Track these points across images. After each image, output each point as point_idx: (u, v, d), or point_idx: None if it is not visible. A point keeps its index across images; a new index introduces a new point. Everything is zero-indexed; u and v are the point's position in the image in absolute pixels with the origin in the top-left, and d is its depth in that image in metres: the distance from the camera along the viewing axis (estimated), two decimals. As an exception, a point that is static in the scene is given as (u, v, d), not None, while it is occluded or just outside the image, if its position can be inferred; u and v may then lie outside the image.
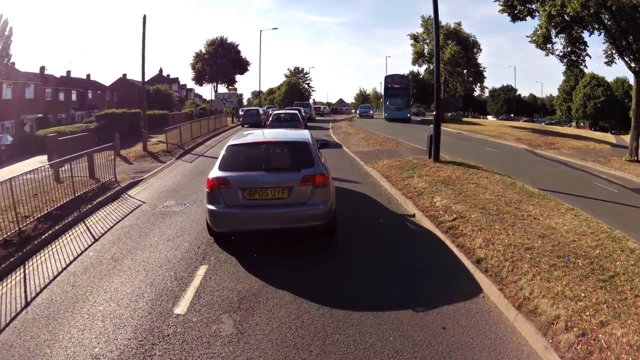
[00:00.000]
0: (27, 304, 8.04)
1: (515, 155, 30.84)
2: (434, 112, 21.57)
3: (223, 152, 10.68)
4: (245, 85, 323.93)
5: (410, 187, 15.45)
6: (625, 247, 9.50)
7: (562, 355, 6.03)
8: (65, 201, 14.15)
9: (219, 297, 7.96)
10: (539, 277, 7.98)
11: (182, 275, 8.92)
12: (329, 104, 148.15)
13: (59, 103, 74.48)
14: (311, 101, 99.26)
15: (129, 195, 16.41)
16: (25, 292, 8.59)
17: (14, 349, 6.59)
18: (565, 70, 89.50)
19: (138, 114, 38.56)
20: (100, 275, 9.13)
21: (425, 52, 78.27)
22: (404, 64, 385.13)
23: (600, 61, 58.45)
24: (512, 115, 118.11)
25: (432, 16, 21.90)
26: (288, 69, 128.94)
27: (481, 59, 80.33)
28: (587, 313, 6.73)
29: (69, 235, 11.93)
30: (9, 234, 11.16)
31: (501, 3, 36.39)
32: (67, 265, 9.74)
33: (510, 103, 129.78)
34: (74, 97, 79.92)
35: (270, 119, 33.59)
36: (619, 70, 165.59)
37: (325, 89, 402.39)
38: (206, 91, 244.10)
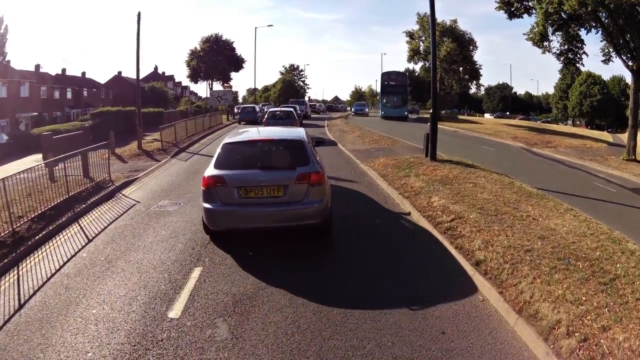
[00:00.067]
0: (21, 306, 7.93)
1: (512, 153, 30.88)
2: (430, 110, 21.41)
3: (219, 150, 10.67)
4: (241, 82, 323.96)
5: (407, 186, 15.31)
6: (625, 249, 9.39)
7: (563, 361, 5.90)
8: (59, 201, 13.99)
9: (214, 301, 7.81)
10: (540, 280, 7.86)
11: (176, 277, 8.79)
12: (324, 101, 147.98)
13: (54, 101, 74.15)
14: (306, 99, 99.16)
15: (123, 195, 16.26)
16: (19, 294, 8.47)
17: (7, 352, 6.49)
18: (562, 69, 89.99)
19: (133, 111, 38.35)
20: (93, 277, 9.00)
21: (420, 49, 78.36)
22: (399, 62, 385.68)
23: (597, 59, 58.50)
24: (507, 113, 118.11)
25: (428, 13, 21.83)
26: (283, 66, 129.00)
27: (477, 56, 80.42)
28: (589, 317, 6.62)
29: (63, 236, 11.80)
30: (2, 234, 11.02)
31: (498, 0, 36.37)
32: (61, 267, 9.61)
33: (506, 101, 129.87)
34: (69, 95, 79.58)
35: (266, 116, 33.49)
36: (616, 69, 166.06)
37: (320, 87, 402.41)
38: (201, 89, 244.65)
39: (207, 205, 9.87)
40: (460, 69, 78.65)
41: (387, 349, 6.38)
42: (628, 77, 36.92)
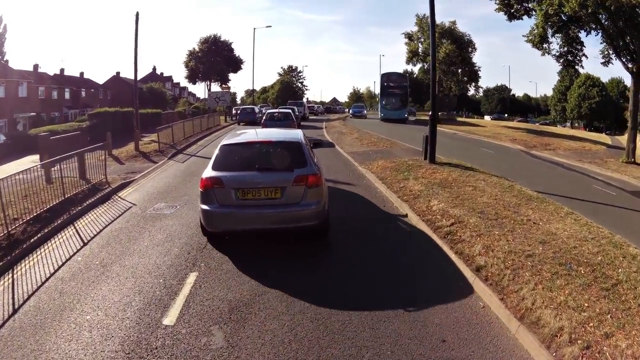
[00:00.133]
0: (15, 311, 7.82)
1: (511, 156, 30.79)
2: (430, 112, 21.25)
3: (216, 151, 10.68)
4: (239, 83, 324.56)
5: (406, 189, 15.21)
6: (627, 253, 9.27)
7: (566, 369, 5.80)
8: (55, 203, 13.86)
9: (209, 307, 7.68)
10: (541, 286, 7.74)
11: (172, 283, 8.65)
12: (322, 103, 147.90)
13: (52, 101, 74.04)
14: (305, 100, 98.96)
15: (119, 197, 16.13)
16: (13, 298, 8.35)
17: (1, 359, 6.38)
18: (560, 71, 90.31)
19: (131, 112, 38.20)
20: (88, 281, 8.87)
21: (419, 51, 78.20)
22: (398, 63, 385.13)
23: (595, 61, 58.48)
24: (505, 115, 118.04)
25: (427, 14, 21.74)
26: (282, 68, 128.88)
27: (475, 58, 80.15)
28: (591, 324, 6.52)
29: (58, 239, 11.67)
30: (-2, 237, 10.91)
31: (497, 2, 36.53)
32: (56, 271, 9.48)
33: (504, 103, 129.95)
34: (67, 95, 79.47)
35: (264, 118, 33.53)
36: (614, 71, 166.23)
37: (318, 88, 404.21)
38: (200, 89, 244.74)
39: (204, 207, 9.90)
40: (459, 70, 78.59)
41: (386, 358, 6.26)
42: (627, 80, 36.98)
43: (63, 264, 9.89)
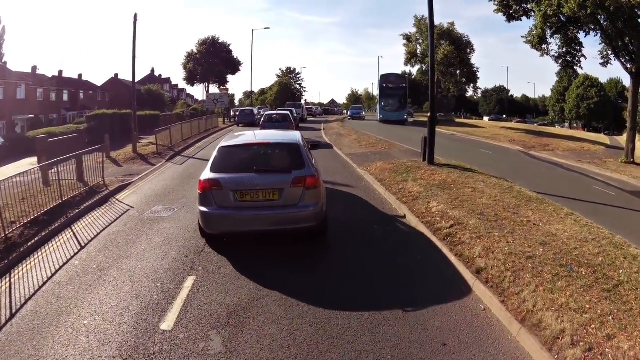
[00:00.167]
0: (12, 315, 7.74)
1: (510, 157, 30.76)
2: (429, 114, 21.17)
3: (215, 153, 10.70)
4: (237, 85, 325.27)
5: (405, 191, 15.14)
6: (627, 254, 9.24)
7: (568, 372, 5.75)
8: (52, 206, 13.80)
9: (207, 312, 7.59)
10: (542, 288, 7.68)
11: (169, 287, 8.56)
12: (320, 104, 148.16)
13: (50, 103, 73.97)
14: (303, 102, 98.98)
15: (117, 200, 16.06)
16: (11, 303, 8.27)
17: (-1, 364, 6.30)
18: (559, 71, 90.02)
19: (129, 114, 38.03)
20: (85, 285, 8.79)
21: (418, 52, 78.44)
22: (396, 65, 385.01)
23: (594, 62, 58.56)
24: (503, 116, 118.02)
25: (426, 16, 21.69)
26: (280, 69, 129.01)
27: (474, 59, 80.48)
28: (593, 326, 6.47)
29: (56, 242, 11.59)
30: (-5, 240, 10.85)
31: (496, 3, 36.53)
32: (53, 275, 9.41)
33: (502, 104, 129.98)
34: (65, 97, 79.37)
35: (262, 119, 33.69)
36: (613, 71, 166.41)
37: (317, 90, 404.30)
38: (198, 91, 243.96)
39: (203, 209, 9.92)
40: (458, 72, 78.69)
41: (386, 363, 6.17)
42: (625, 80, 37.02)
43: (60, 267, 9.81)
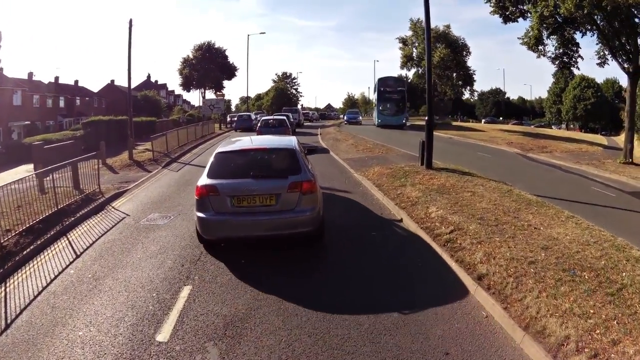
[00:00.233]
0: (7, 326, 7.63)
1: (508, 159, 30.67)
2: (426, 117, 21.03)
3: (211, 159, 10.76)
4: (233, 90, 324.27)
5: (404, 196, 15.02)
6: (630, 256, 9.13)
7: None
8: (48, 214, 13.69)
9: (204, 323, 7.43)
10: (545, 293, 7.55)
11: (165, 297, 8.42)
12: (317, 109, 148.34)
13: (47, 110, 73.87)
14: (299, 107, 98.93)
15: (113, 207, 15.95)
16: (6, 313, 8.15)
17: (-6, 377, 6.16)
18: (555, 72, 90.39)
19: (125, 121, 37.99)
20: (80, 295, 8.67)
21: (414, 55, 78.37)
22: (392, 68, 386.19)
23: (590, 62, 58.67)
24: (500, 118, 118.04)
25: (421, 19, 21.63)
26: (276, 74, 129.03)
27: (470, 62, 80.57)
28: (598, 331, 6.36)
29: (51, 251, 11.48)
30: (-10, 250, 10.75)
31: (492, 4, 36.50)
32: (48, 284, 9.29)
33: (499, 106, 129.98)
34: (62, 103, 79.32)
35: (259, 125, 33.86)
36: (609, 71, 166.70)
37: (313, 94, 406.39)
38: (194, 97, 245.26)
39: (200, 215, 9.94)
40: (454, 74, 78.70)
41: (388, 374, 6.03)
42: (622, 80, 37.06)
43: (55, 277, 9.70)
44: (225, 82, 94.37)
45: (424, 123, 20.97)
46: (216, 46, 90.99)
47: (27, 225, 12.49)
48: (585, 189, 20.50)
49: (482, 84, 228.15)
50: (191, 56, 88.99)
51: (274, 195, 9.87)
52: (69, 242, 12.20)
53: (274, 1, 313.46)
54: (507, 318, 7.24)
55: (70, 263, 10.51)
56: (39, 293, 8.89)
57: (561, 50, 35.06)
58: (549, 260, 8.84)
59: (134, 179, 21.37)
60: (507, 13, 36.23)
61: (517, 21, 36.40)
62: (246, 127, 50.72)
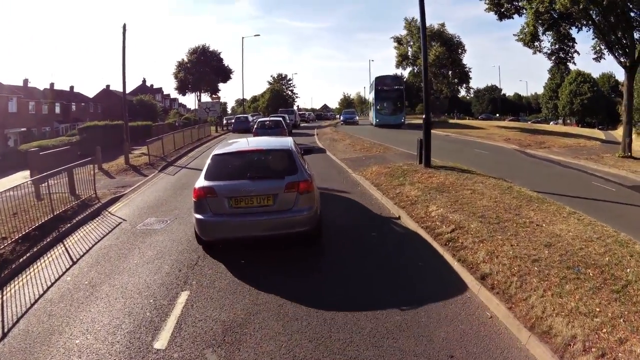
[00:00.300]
0: (5, 335, 7.52)
1: (506, 156, 30.57)
2: (424, 116, 20.90)
3: (208, 161, 10.83)
4: (229, 93, 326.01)
5: (403, 195, 14.89)
6: (633, 252, 9.02)
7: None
8: (44, 220, 13.55)
9: (202, 329, 7.28)
10: (551, 292, 7.43)
11: (162, 303, 8.28)
12: (313, 109, 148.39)
13: (42, 116, 73.74)
14: (295, 108, 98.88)
15: (109, 213, 15.80)
16: (3, 322, 8.03)
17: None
18: (551, 68, 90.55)
19: (121, 125, 37.82)
20: (77, 303, 8.54)
21: (409, 54, 78.42)
22: (387, 68, 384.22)
23: (585, 57, 58.63)
24: (497, 115, 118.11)
25: (416, 17, 21.54)
26: (271, 76, 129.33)
27: (465, 59, 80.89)
28: (604, 330, 6.25)
29: (47, 258, 11.35)
30: (-14, 258, 10.64)
31: (487, 2, 36.50)
32: (44, 292, 9.18)
33: (495, 103, 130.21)
34: (57, 109, 79.21)
35: (255, 126, 33.96)
36: (605, 66, 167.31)
37: (309, 95, 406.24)
38: (190, 100, 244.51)
39: (198, 216, 10.00)
40: (450, 72, 78.81)
41: (392, 379, 5.88)
42: (618, 74, 37.16)
43: (52, 284, 9.59)
44: (221, 85, 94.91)
45: (420, 121, 20.89)
46: (211, 49, 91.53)
47: (23, 233, 12.36)
48: (585, 184, 20.41)
49: (477, 82, 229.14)
50: (186, 60, 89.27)
51: (271, 196, 9.93)
52: (65, 248, 12.06)
53: (268, 3, 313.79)
54: (512, 318, 7.11)
55: (67, 270, 10.38)
56: (36, 301, 8.77)
57: (557, 46, 35.19)
58: (552, 258, 8.72)
59: (130, 184, 21.23)
60: (502, 10, 36.23)
61: (513, 18, 36.48)
62: (244, 128, 51.26)
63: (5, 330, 7.68)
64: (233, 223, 9.91)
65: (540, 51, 35.67)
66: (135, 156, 30.33)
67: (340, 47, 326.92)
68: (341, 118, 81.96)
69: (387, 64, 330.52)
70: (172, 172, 25.52)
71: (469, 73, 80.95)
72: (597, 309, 6.77)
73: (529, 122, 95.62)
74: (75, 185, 17.26)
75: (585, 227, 10.77)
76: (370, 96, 74.66)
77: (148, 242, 11.98)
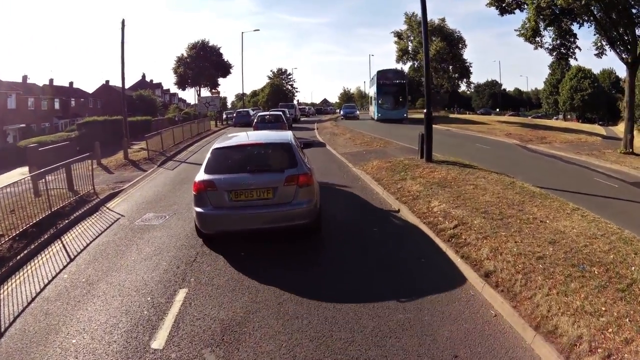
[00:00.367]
0: (1, 334, 7.38)
1: (508, 151, 30.42)
2: (425, 110, 20.75)
3: (208, 155, 10.90)
4: (229, 88, 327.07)
5: (404, 190, 14.76)
6: (638, 250, 8.91)
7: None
8: (42, 217, 13.43)
9: (200, 328, 7.14)
10: (556, 290, 7.29)
11: (160, 301, 8.13)
12: (313, 104, 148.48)
13: (42, 112, 73.78)
14: (295, 102, 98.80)
15: (107, 208, 15.68)
16: (0, 321, 7.89)
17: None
18: (551, 64, 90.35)
19: (120, 121, 37.74)
20: (74, 301, 8.40)
21: (409, 49, 78.27)
22: (387, 62, 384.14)
23: (587, 53, 58.51)
24: (497, 110, 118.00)
25: (417, 12, 21.39)
26: (271, 71, 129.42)
27: (465, 54, 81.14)
28: (610, 330, 6.13)
29: (45, 255, 11.20)
30: (-17, 256, 10.55)
31: (489, -3, 36.26)
32: (41, 290, 9.04)
33: (495, 98, 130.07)
34: (57, 105, 79.26)
35: (255, 120, 33.97)
36: (605, 62, 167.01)
37: (309, 90, 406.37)
38: (189, 95, 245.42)
39: (198, 210, 10.07)
40: (450, 67, 78.75)
41: (395, 379, 5.75)
42: (619, 70, 37.09)
43: (49, 282, 9.46)
44: (221, 80, 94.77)
45: (421, 116, 20.77)
46: (210, 44, 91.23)
47: (21, 230, 12.23)
48: (587, 180, 20.28)
49: (478, 76, 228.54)
50: (185, 55, 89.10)
51: (271, 189, 10.01)
52: (63, 245, 11.94)
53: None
54: (517, 317, 6.97)
55: (64, 267, 10.25)
56: (33, 299, 8.64)
57: (558, 42, 35.13)
58: (557, 255, 8.60)
59: (129, 179, 21.16)
60: (503, 5, 36.20)
61: (514, 13, 36.46)
62: (245, 122, 51.76)
63: (2, 329, 7.55)
64: (233, 216, 9.99)
65: (541, 47, 35.64)
66: (135, 151, 30.23)
67: (340, 42, 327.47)
68: (341, 112, 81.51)
69: (387, 59, 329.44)
70: (171, 166, 25.46)
71: (470, 68, 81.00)
72: (603, 308, 6.66)
73: (529, 117, 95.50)
74: (73, 181, 17.11)
75: (589, 224, 10.67)
76: (371, 90, 74.10)
77: (146, 238, 11.86)
